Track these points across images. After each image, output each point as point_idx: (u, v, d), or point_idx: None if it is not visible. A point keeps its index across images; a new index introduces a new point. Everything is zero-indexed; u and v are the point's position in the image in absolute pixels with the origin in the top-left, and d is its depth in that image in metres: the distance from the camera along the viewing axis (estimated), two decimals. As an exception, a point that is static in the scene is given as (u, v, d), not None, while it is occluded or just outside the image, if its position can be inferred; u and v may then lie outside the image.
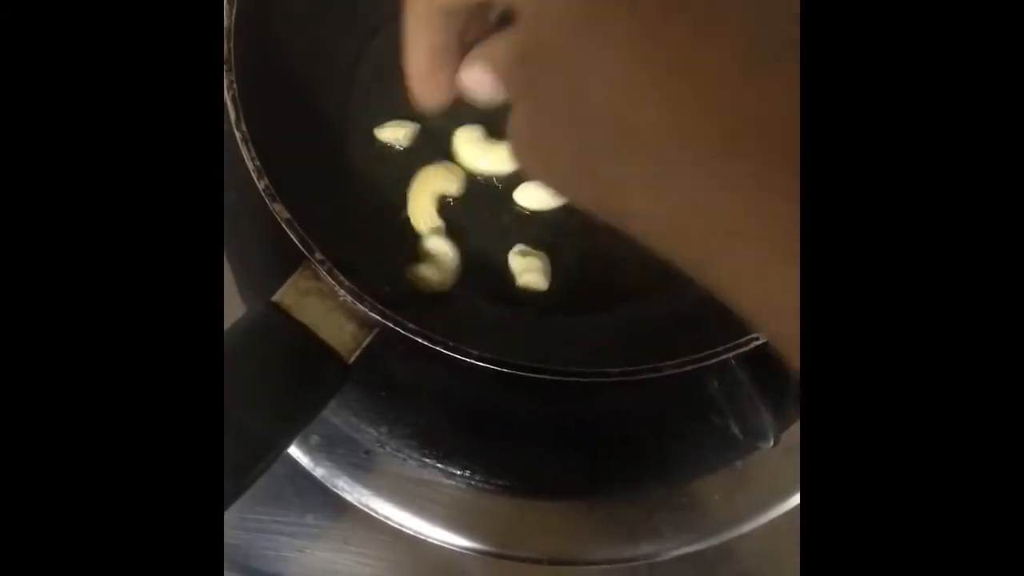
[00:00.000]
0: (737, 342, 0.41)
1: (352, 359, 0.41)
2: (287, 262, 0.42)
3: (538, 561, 0.49)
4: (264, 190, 0.41)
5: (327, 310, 0.41)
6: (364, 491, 0.49)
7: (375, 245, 0.46)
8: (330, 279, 0.40)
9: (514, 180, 0.48)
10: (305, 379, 0.40)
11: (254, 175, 0.41)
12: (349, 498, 0.49)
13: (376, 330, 0.41)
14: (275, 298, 0.40)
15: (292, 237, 0.40)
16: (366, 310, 0.40)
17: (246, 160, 0.41)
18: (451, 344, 0.40)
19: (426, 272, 0.46)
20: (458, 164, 0.48)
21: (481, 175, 0.49)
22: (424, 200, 0.48)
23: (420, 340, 0.40)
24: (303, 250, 0.40)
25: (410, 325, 0.40)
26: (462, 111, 0.49)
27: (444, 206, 0.48)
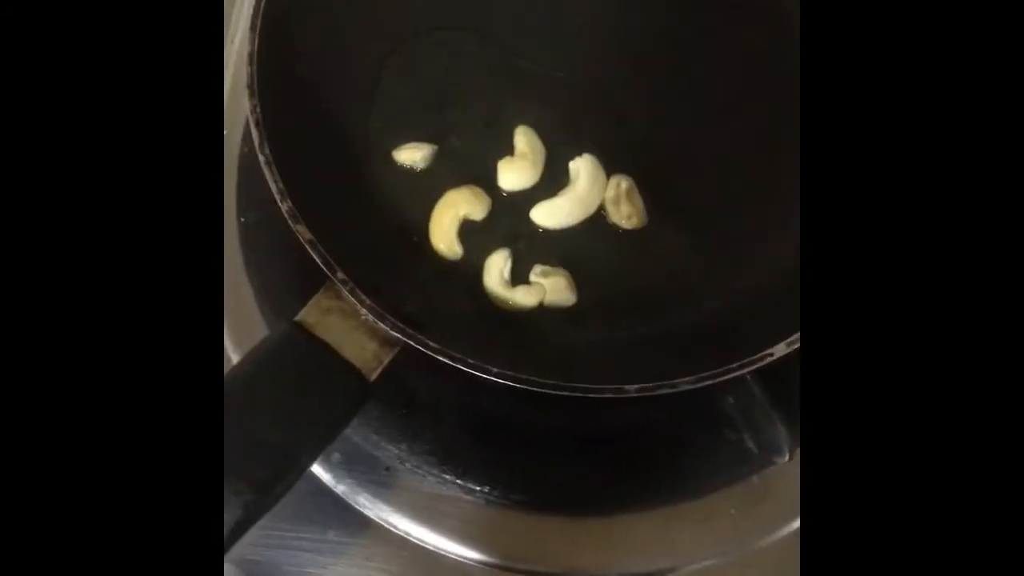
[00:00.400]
0: (752, 358, 0.42)
1: (374, 377, 0.41)
2: (309, 282, 0.42)
3: (556, 576, 0.49)
4: (287, 211, 0.42)
5: (349, 329, 0.42)
6: (385, 507, 0.50)
7: (397, 265, 0.47)
8: (352, 298, 0.41)
9: (531, 198, 0.49)
10: (328, 397, 0.41)
11: (277, 197, 0.42)
12: (370, 514, 0.50)
13: (397, 348, 0.42)
14: (298, 317, 0.41)
15: (315, 257, 0.41)
16: (387, 329, 0.41)
17: (270, 182, 0.42)
18: (470, 361, 0.41)
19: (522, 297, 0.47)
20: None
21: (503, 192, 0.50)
22: (446, 222, 0.48)
23: (441, 358, 0.41)
24: (325, 270, 0.41)
25: (431, 343, 0.41)
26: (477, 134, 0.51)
27: (464, 227, 0.49)
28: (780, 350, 0.42)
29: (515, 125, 0.50)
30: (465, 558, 0.49)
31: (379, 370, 0.41)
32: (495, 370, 0.41)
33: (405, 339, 0.41)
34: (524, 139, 0.50)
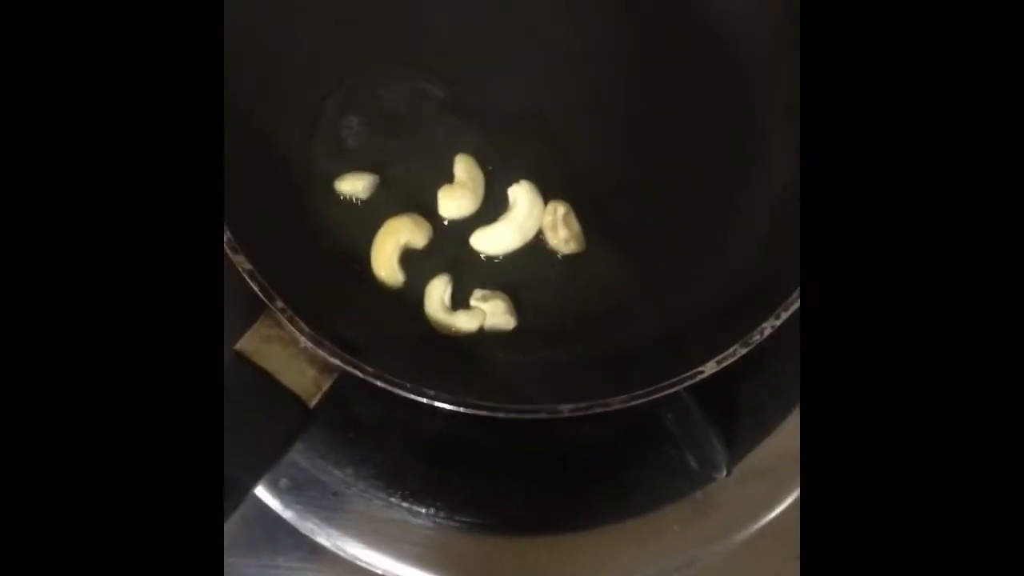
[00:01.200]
0: (682, 375, 0.43)
1: (314, 403, 0.42)
2: (252, 310, 0.43)
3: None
4: (227, 243, 0.42)
5: (289, 356, 0.42)
6: (333, 532, 0.50)
7: (337, 293, 0.48)
8: (291, 326, 0.42)
9: (471, 225, 0.50)
10: (268, 423, 0.42)
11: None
12: (319, 540, 0.50)
13: (337, 374, 0.43)
14: (237, 346, 0.42)
15: (253, 287, 0.42)
16: (326, 355, 0.41)
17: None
18: (408, 385, 0.42)
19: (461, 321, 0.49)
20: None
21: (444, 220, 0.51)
22: (387, 250, 0.49)
23: (379, 383, 0.42)
24: (264, 299, 0.42)
25: (368, 368, 0.42)
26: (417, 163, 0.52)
27: (405, 254, 0.50)
28: (711, 367, 0.43)
29: (455, 154, 0.51)
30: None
31: (319, 396, 0.42)
32: (432, 393, 0.42)
33: (343, 365, 0.42)
34: (463, 167, 0.51)
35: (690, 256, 0.51)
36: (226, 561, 0.49)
